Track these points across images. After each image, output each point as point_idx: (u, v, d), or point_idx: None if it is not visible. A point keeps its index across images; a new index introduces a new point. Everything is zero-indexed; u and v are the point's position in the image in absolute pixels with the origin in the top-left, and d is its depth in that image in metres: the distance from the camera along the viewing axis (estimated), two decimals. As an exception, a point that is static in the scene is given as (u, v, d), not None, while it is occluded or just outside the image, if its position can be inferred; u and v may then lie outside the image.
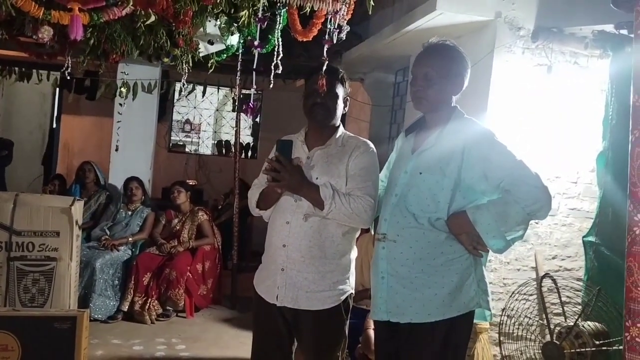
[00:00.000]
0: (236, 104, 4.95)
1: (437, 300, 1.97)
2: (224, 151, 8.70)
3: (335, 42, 2.48)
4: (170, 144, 8.61)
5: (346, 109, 2.35)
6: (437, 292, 1.97)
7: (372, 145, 2.29)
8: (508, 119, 3.70)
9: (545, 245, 3.87)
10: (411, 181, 2.04)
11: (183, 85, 4.29)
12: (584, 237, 3.35)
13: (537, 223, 3.80)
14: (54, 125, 8.50)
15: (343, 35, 2.50)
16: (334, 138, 2.28)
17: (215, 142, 8.97)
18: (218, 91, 8.66)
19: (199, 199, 7.37)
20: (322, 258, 2.19)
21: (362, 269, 3.39)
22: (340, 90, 2.28)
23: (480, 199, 2.00)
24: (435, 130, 2.07)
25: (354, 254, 2.32)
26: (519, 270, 3.84)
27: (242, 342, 4.54)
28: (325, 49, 2.36)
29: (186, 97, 8.39)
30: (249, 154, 8.70)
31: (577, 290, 2.88)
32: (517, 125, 3.70)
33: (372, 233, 2.28)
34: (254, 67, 2.57)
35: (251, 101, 2.46)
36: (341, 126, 2.33)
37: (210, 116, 9.07)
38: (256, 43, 2.58)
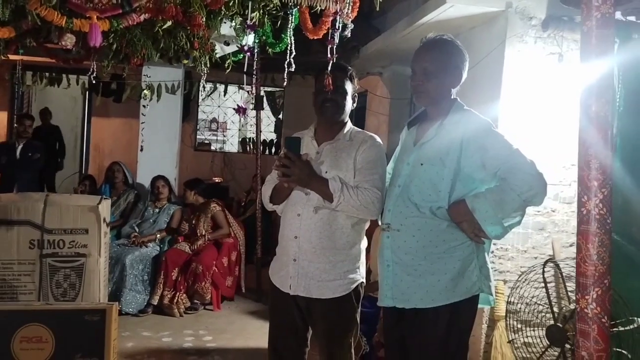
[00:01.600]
0: (256, 102, 5.07)
1: (440, 286, 2.05)
2: (248, 148, 8.86)
3: (337, 42, 2.56)
4: (197, 143, 8.80)
5: (355, 105, 2.43)
6: (440, 279, 2.05)
7: (378, 139, 2.37)
8: (521, 108, 3.73)
9: (562, 233, 3.88)
10: (413, 172, 2.12)
11: (203, 86, 4.42)
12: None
13: (553, 211, 3.83)
14: (85, 128, 8.78)
15: (348, 34, 2.58)
16: (342, 133, 2.37)
17: (240, 139, 9.14)
18: (239, 90, 8.82)
19: (225, 196, 7.55)
20: (333, 248, 2.28)
21: (377, 260, 3.47)
22: (349, 87, 2.37)
23: (480, 188, 2.07)
24: (435, 122, 2.15)
25: (363, 244, 2.41)
26: (536, 258, 3.86)
27: (265, 332, 4.54)
28: (329, 49, 2.44)
29: (209, 96, 8.57)
30: (272, 150, 8.84)
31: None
32: (531, 114, 3.72)
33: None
34: (244, 69, 2.66)
35: (242, 102, 2.55)
36: (349, 122, 2.42)
37: (234, 114, 9.23)
38: (246, 48, 2.68)
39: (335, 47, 2.79)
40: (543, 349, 2.99)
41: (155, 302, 5.01)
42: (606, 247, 0.93)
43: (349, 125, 2.41)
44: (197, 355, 4.11)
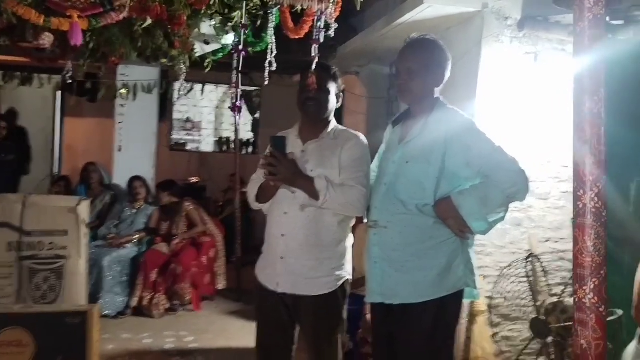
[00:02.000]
0: (234, 101, 5.04)
1: (428, 281, 2.08)
2: (225, 148, 8.82)
3: (322, 41, 2.58)
4: (172, 143, 8.73)
5: (339, 103, 2.45)
6: (427, 274, 2.09)
7: (363, 137, 2.40)
8: (498, 106, 3.80)
9: (538, 228, 3.97)
10: (399, 170, 2.15)
11: (182, 85, 4.40)
12: (572, 219, 3.44)
13: (529, 207, 3.91)
14: (57, 128, 8.61)
15: (331, 33, 2.60)
16: (327, 131, 2.39)
17: (217, 139, 9.09)
18: (217, 89, 8.78)
19: (202, 196, 7.51)
20: (319, 246, 2.31)
21: (360, 258, 3.50)
22: (332, 86, 2.39)
23: (464, 185, 2.11)
24: (419, 121, 2.18)
25: (349, 241, 2.43)
26: (514, 253, 3.94)
27: (248, 332, 4.63)
28: (313, 48, 2.46)
29: (185, 95, 8.49)
30: (249, 150, 8.82)
31: (565, 270, 2.99)
32: (507, 112, 3.79)
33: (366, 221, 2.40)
34: (239, 67, 2.66)
35: (237, 100, 2.55)
36: (333, 120, 2.44)
37: (210, 114, 9.19)
38: (240, 47, 2.68)
39: (317, 46, 2.82)
40: (526, 342, 3.06)
41: (134, 303, 4.98)
42: (602, 239, 0.97)
43: (333, 123, 2.43)
44: (179, 356, 4.10)
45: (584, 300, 0.97)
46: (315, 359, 2.38)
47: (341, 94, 2.46)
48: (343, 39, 5.65)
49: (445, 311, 2.10)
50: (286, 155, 2.27)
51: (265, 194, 2.39)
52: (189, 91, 8.32)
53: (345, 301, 2.41)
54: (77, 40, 2.47)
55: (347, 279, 2.40)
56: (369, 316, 3.23)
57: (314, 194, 2.24)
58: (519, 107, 3.83)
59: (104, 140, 7.57)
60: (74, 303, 3.41)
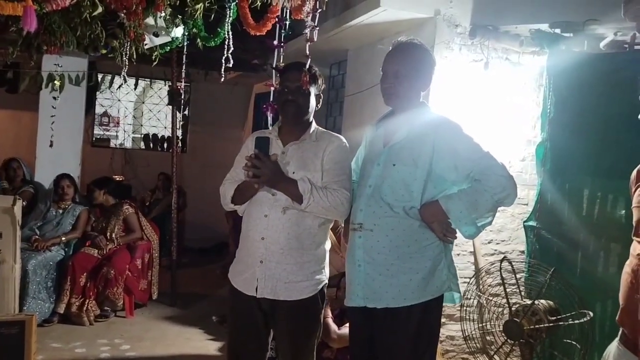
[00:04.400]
0: (181, 97, 4.85)
1: (412, 285, 2.08)
2: (151, 145, 8.46)
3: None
4: (94, 139, 8.27)
5: (319, 105, 2.40)
6: (412, 278, 2.08)
7: (344, 140, 2.36)
8: (447, 112, 3.88)
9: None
10: (385, 173, 2.14)
11: (124, 78, 4.15)
12: (524, 222, 3.61)
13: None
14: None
15: (314, 36, 2.51)
16: (308, 133, 2.33)
17: (142, 135, 8.70)
18: (136, 82, 8.37)
19: (127, 195, 7.15)
20: (300, 249, 2.24)
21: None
22: (312, 88, 2.33)
23: (450, 188, 2.13)
24: (405, 124, 2.18)
25: (328, 244, 2.39)
26: (458, 255, 4.05)
27: (187, 338, 4.51)
28: (307, 46, 2.37)
29: (108, 88, 8.06)
30: (179, 148, 8.52)
31: (506, 271, 3.11)
32: (458, 118, 3.88)
33: (340, 224, 2.37)
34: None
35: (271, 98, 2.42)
36: (314, 122, 2.39)
37: (136, 109, 8.80)
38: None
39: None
40: (499, 344, 3.14)
41: (61, 310, 4.64)
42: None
43: (314, 125, 2.38)
44: (118, 365, 3.87)
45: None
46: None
47: (321, 94, 2.41)
48: (284, 39, 5.58)
49: (429, 315, 2.12)
50: (269, 156, 2.19)
51: (243, 195, 2.30)
52: (111, 85, 7.91)
53: (324, 305, 2.37)
54: (32, 25, 2.25)
55: (326, 283, 2.36)
56: (329, 320, 3.22)
57: (297, 197, 2.17)
58: (466, 113, 3.94)
59: (18, 134, 7.05)
60: (8, 312, 3.12)
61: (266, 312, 2.30)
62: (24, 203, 5.08)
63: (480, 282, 3.50)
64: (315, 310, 2.31)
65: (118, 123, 8.88)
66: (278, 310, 2.27)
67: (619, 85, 3.06)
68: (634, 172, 2.20)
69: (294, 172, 2.24)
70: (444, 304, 2.23)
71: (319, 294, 2.30)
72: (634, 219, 2.11)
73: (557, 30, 3.29)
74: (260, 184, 2.19)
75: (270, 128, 2.46)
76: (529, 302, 2.87)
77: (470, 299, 3.61)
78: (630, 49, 3.16)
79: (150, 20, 3.63)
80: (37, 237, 4.85)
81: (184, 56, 3.84)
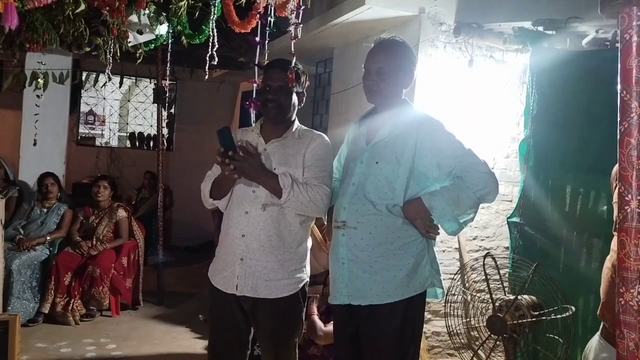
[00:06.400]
0: (167, 95, 4.82)
1: (396, 281, 2.09)
2: (137, 143, 8.41)
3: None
4: (79, 137, 8.21)
5: (302, 103, 2.39)
6: (395, 274, 2.09)
7: (326, 137, 2.36)
8: (432, 109, 3.90)
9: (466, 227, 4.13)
10: (368, 170, 2.14)
11: (108, 76, 4.13)
12: (508, 218, 3.63)
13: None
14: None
15: (298, 33, 2.51)
16: (291, 131, 2.33)
17: (127, 134, 8.65)
18: (121, 80, 8.32)
19: (114, 194, 7.10)
20: (281, 247, 2.24)
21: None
22: (295, 86, 2.32)
23: (432, 186, 2.14)
24: (387, 121, 2.18)
25: (309, 242, 2.39)
26: (444, 251, 4.08)
27: (174, 337, 4.49)
28: (292, 44, 2.37)
29: (93, 86, 8.01)
30: (165, 146, 8.48)
31: (489, 267, 3.14)
32: (442, 116, 3.89)
33: (325, 222, 2.37)
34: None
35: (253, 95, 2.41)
36: (297, 120, 2.38)
37: (122, 107, 8.74)
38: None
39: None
40: (483, 339, 3.16)
41: (46, 310, 4.62)
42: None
43: (297, 123, 2.38)
44: (103, 365, 3.85)
45: (631, 302, 1.00)
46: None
47: (304, 92, 2.40)
48: (269, 37, 5.57)
49: (413, 311, 2.13)
50: (235, 145, 2.16)
51: (220, 189, 2.29)
52: (95, 83, 7.86)
53: (305, 304, 2.37)
54: (13, 23, 2.23)
55: (307, 281, 2.36)
56: (314, 317, 3.22)
57: (276, 191, 2.17)
58: (451, 110, 3.96)
59: (6, 134, 6.96)
60: (-9, 312, 3.10)
61: (246, 311, 2.29)
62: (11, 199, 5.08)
63: (465, 278, 3.53)
64: (296, 309, 2.31)
65: (104, 121, 8.83)
66: (259, 309, 2.27)
67: (601, 83, 3.09)
68: (615, 168, 2.23)
69: (275, 169, 2.23)
70: (427, 300, 2.25)
71: (300, 292, 2.30)
72: (615, 214, 2.14)
73: (540, 28, 3.32)
74: (241, 176, 2.17)
75: (253, 125, 2.46)
76: (512, 297, 2.89)
77: (455, 295, 3.63)
78: (612, 47, 3.19)
79: (134, 18, 3.60)
80: (21, 236, 4.82)
81: (169, 54, 3.82)
